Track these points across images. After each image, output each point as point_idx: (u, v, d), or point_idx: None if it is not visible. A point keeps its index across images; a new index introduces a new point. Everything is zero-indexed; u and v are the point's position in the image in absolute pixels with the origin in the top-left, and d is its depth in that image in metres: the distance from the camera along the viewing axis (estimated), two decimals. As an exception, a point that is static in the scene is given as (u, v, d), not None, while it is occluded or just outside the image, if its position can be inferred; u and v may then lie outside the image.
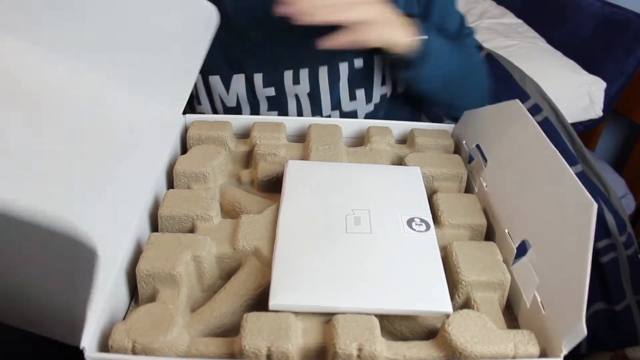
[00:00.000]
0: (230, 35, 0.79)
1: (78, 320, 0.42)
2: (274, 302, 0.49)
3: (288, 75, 0.83)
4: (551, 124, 1.53)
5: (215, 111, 0.89)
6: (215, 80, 0.84)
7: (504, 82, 1.58)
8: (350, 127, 0.77)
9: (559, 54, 1.81)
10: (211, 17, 0.69)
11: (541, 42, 1.87)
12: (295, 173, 0.64)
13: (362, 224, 0.57)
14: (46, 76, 0.63)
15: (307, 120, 0.76)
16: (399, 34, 0.74)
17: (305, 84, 0.84)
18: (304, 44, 0.79)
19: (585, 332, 0.42)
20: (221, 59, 0.83)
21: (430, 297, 0.50)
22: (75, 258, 0.36)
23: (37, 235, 0.33)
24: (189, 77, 0.75)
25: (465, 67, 0.87)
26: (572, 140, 1.56)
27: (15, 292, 0.41)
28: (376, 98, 0.88)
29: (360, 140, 0.77)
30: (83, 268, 0.37)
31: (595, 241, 1.35)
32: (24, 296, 0.42)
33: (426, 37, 0.76)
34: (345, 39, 0.69)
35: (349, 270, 0.52)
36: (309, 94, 0.85)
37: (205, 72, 0.81)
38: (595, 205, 0.44)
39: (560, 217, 0.50)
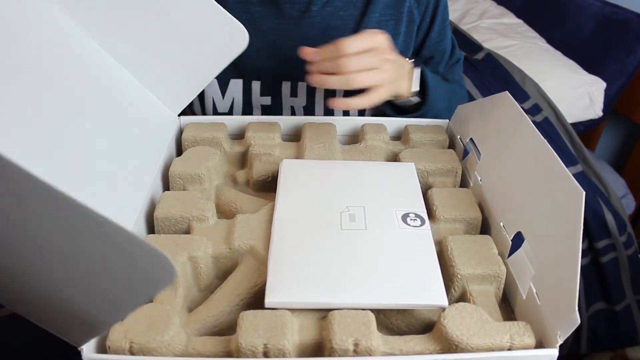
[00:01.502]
0: None
1: (99, 325, 0.41)
2: (269, 299, 0.49)
3: (286, 86, 0.84)
4: (551, 124, 1.53)
5: (205, 115, 0.89)
6: (211, 82, 0.84)
7: (504, 82, 1.58)
8: (344, 124, 0.77)
9: (559, 54, 1.81)
10: (241, 40, 0.70)
11: (541, 42, 1.87)
12: (290, 172, 0.64)
13: (356, 221, 0.57)
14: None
15: (302, 119, 0.76)
16: (404, 86, 0.76)
17: (302, 97, 0.85)
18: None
19: (578, 320, 0.42)
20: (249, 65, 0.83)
21: (425, 291, 0.50)
22: (145, 269, 0.37)
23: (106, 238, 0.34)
24: (197, 84, 0.76)
25: (451, 98, 0.89)
26: (572, 140, 1.56)
27: (44, 284, 0.41)
28: (368, 115, 0.88)
29: (354, 137, 0.77)
30: (150, 279, 0.37)
31: (595, 241, 1.36)
32: (52, 290, 0.42)
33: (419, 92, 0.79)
34: (356, 102, 0.69)
35: (344, 266, 0.52)
36: (304, 107, 0.86)
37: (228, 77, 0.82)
38: (584, 193, 0.44)
39: (551, 207, 0.50)
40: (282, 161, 0.66)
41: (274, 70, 0.78)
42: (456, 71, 0.94)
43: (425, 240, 0.55)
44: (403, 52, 0.86)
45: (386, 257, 0.53)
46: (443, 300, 0.49)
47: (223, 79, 0.84)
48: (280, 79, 0.83)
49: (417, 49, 0.89)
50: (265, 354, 0.45)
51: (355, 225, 0.57)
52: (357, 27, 0.81)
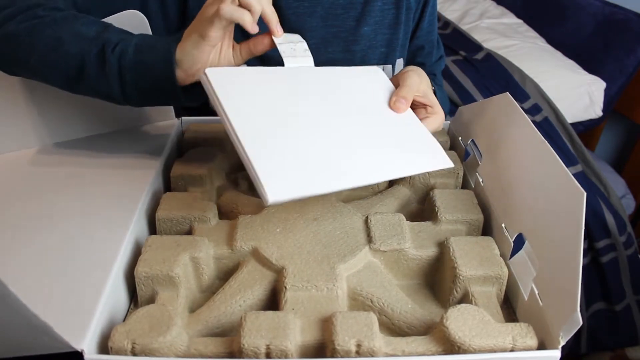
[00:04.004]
0: (237, 27, 0.79)
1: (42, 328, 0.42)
2: (272, 197, 0.44)
3: None
4: (551, 124, 1.53)
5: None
6: None
7: (504, 82, 1.58)
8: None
9: (559, 54, 1.81)
10: None
11: (541, 42, 1.87)
12: (225, 83, 0.54)
13: (333, 110, 0.57)
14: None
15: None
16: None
17: None
18: (309, 44, 0.80)
19: (580, 321, 0.42)
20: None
21: (429, 158, 0.52)
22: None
23: None
24: None
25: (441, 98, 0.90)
26: (571, 140, 1.56)
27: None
28: None
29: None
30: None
31: (595, 241, 1.36)
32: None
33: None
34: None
35: (337, 148, 0.51)
36: None
37: None
38: (585, 194, 0.45)
39: (552, 208, 0.50)
40: (204, 72, 0.54)
41: (277, 56, 0.77)
42: (441, 66, 0.96)
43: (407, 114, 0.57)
44: (403, 43, 0.86)
45: (377, 134, 0.54)
46: (448, 162, 0.52)
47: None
48: (283, 64, 0.83)
49: (409, 38, 0.89)
50: (268, 355, 0.45)
51: (332, 113, 0.56)
52: (359, 17, 0.81)
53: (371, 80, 0.64)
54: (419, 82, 0.64)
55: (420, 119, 0.63)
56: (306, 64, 0.60)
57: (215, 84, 0.53)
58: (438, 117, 0.66)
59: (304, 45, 0.61)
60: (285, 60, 0.59)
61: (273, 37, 0.60)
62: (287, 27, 0.78)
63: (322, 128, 0.53)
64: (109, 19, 0.65)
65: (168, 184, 0.67)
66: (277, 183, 0.45)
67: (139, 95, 0.61)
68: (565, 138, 1.54)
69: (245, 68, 0.59)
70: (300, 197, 0.45)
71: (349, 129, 0.54)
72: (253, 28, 0.57)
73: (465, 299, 0.53)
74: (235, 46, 0.62)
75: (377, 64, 0.84)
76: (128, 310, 0.54)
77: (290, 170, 0.47)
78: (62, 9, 0.64)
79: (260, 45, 0.61)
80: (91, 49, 0.59)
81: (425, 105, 0.66)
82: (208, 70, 0.53)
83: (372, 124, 0.54)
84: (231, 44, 0.61)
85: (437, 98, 0.78)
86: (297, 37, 0.62)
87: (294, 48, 0.60)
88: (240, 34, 0.61)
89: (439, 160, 0.49)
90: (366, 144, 0.51)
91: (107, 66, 0.59)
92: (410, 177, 0.67)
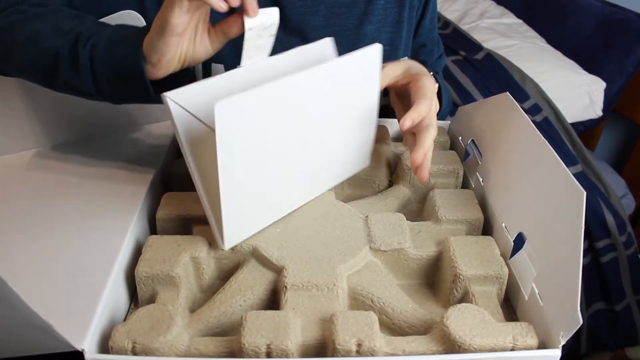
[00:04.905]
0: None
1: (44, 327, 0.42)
2: (228, 246, 0.54)
3: None
4: (551, 124, 1.53)
5: None
6: (219, 68, 0.82)
7: (504, 82, 1.58)
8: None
9: (558, 54, 1.81)
10: None
11: (541, 42, 1.87)
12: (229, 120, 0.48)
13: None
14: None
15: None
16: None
17: None
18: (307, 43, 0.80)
19: (580, 320, 0.42)
20: (228, 48, 0.81)
21: (354, 163, 0.57)
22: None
23: None
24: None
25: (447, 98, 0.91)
26: (571, 140, 1.56)
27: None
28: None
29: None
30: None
31: (595, 241, 1.36)
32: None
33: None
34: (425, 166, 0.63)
35: (288, 178, 0.55)
36: None
37: (209, 59, 0.81)
38: (585, 193, 0.45)
39: (552, 208, 0.50)
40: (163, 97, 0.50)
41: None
42: (441, 64, 0.96)
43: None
44: (406, 41, 0.86)
45: (328, 146, 0.57)
46: (366, 162, 0.57)
47: (230, 65, 0.81)
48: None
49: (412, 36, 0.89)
50: (268, 355, 0.45)
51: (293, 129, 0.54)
52: (362, 16, 0.81)
53: (349, 65, 0.58)
54: (393, 68, 0.64)
55: (414, 97, 0.61)
56: (261, 55, 0.56)
57: (175, 113, 0.50)
58: (426, 80, 0.62)
59: (272, 29, 0.54)
60: (244, 54, 0.54)
61: (244, 18, 0.52)
62: (290, 26, 0.79)
63: (288, 150, 0.55)
64: (105, 19, 0.64)
65: (168, 184, 0.67)
66: (235, 233, 0.54)
67: (112, 91, 0.58)
68: (565, 138, 1.54)
69: (206, 86, 0.53)
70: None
71: (304, 146, 0.56)
72: (219, 5, 0.50)
73: (465, 298, 0.53)
74: (210, 29, 0.56)
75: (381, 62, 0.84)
76: (128, 310, 0.54)
77: (246, 219, 0.55)
78: (47, 5, 0.63)
79: (234, 27, 0.54)
80: (65, 43, 0.57)
81: (409, 82, 0.63)
82: (168, 96, 0.49)
83: (328, 131, 0.56)
84: (206, 29, 0.55)
85: (443, 97, 0.79)
86: (272, 16, 0.54)
87: (260, 34, 0.54)
88: (222, 16, 0.55)
89: (360, 162, 0.51)
90: (313, 166, 0.55)
91: (79, 61, 0.57)
92: (410, 176, 0.67)
